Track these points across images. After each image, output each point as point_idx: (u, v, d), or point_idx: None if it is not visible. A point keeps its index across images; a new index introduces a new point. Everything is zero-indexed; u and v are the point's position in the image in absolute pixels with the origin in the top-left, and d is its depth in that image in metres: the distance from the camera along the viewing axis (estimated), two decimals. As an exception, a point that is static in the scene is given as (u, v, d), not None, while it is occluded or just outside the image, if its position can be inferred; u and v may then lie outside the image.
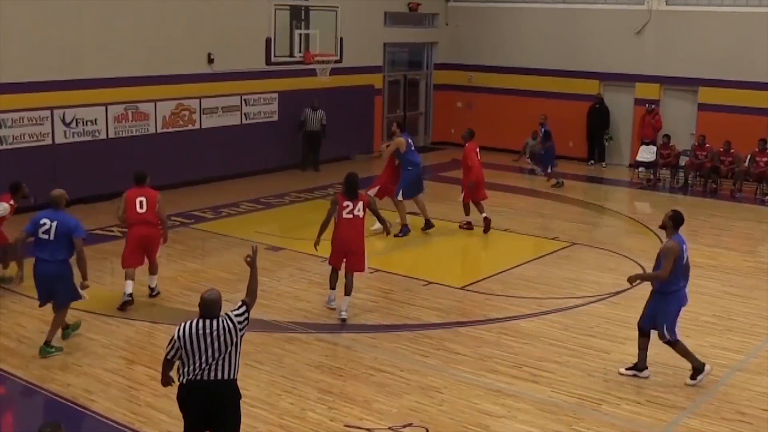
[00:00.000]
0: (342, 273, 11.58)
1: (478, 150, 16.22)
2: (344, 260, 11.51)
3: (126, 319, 11.21)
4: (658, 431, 8.57)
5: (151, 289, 12.14)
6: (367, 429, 8.38)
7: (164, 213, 11.95)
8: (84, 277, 10.00)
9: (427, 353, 10.34)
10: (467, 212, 16.04)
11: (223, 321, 6.85)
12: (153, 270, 12.07)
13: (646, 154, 21.65)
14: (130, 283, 11.54)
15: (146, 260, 11.86)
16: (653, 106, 22.22)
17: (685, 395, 9.33)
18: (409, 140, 15.83)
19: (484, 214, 15.81)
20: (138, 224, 11.58)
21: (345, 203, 11.41)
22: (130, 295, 11.51)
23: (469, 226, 16.05)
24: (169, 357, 6.95)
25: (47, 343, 9.97)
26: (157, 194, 11.74)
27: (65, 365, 9.73)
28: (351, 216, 11.38)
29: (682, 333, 11.15)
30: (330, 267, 11.75)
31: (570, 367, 9.98)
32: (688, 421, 8.76)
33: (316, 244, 11.63)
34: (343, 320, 11.27)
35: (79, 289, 10.08)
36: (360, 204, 11.42)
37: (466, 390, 9.33)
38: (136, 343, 10.48)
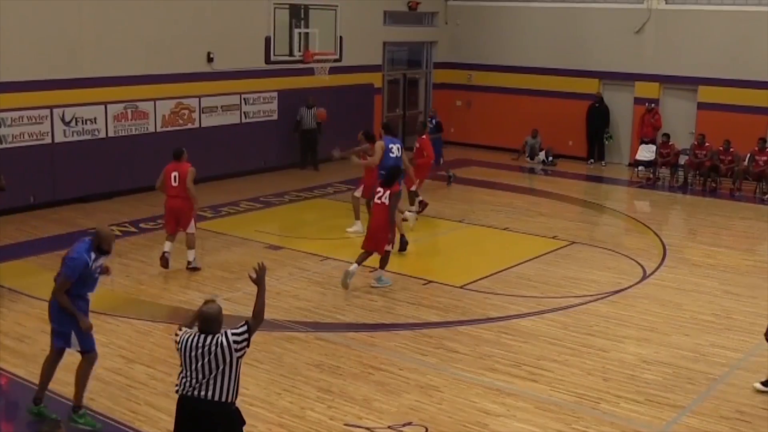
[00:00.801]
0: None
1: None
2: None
3: (125, 318, 11.23)
4: (657, 430, 8.58)
5: (189, 263, 13.22)
6: (367, 428, 8.39)
7: (192, 187, 12.90)
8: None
9: (426, 352, 10.35)
10: (413, 200, 16.44)
11: (219, 338, 6.52)
12: (189, 244, 13.15)
13: (646, 153, 21.67)
14: (168, 243, 13.04)
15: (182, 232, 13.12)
16: (653, 105, 22.23)
17: (684, 394, 9.34)
18: (391, 145, 14.97)
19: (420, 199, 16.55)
20: (171, 197, 12.96)
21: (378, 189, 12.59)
22: (166, 251, 13.01)
23: (422, 205, 16.65)
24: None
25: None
26: (188, 170, 12.88)
27: (65, 364, 9.71)
28: (379, 202, 12.48)
29: (680, 332, 11.21)
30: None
31: (569, 366, 9.99)
32: (687, 420, 8.77)
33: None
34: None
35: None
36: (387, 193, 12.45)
37: (466, 389, 9.34)
38: (135, 342, 10.48)
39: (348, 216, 16.76)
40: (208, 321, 6.58)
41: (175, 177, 12.83)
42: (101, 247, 8.46)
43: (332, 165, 21.05)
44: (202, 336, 6.54)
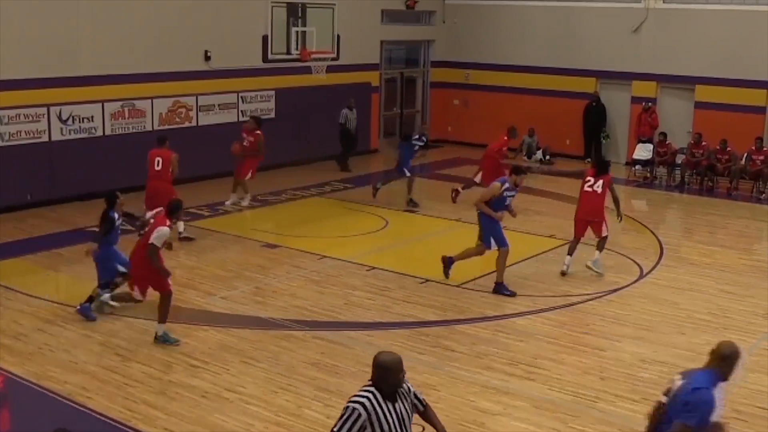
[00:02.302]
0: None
1: None
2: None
3: (122, 316, 11.21)
4: (653, 429, 8.57)
5: (179, 233, 14.25)
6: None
7: (176, 171, 14.45)
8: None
9: (423, 351, 10.35)
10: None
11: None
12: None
13: (643, 152, 21.68)
14: (149, 213, 13.53)
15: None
16: (650, 104, 22.25)
17: (681, 393, 9.33)
18: None
19: None
20: (152, 178, 14.37)
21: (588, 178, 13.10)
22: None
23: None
24: None
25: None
26: (171, 155, 14.30)
27: (61, 362, 9.73)
28: (591, 190, 13.05)
29: (677, 331, 11.22)
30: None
31: (566, 365, 10.00)
32: (683, 419, 8.76)
33: None
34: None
35: None
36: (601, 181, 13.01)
37: (462, 387, 9.34)
38: (132, 340, 10.47)
39: (345, 214, 16.84)
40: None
41: (158, 161, 14.28)
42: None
43: (332, 164, 21.08)
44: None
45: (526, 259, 14.13)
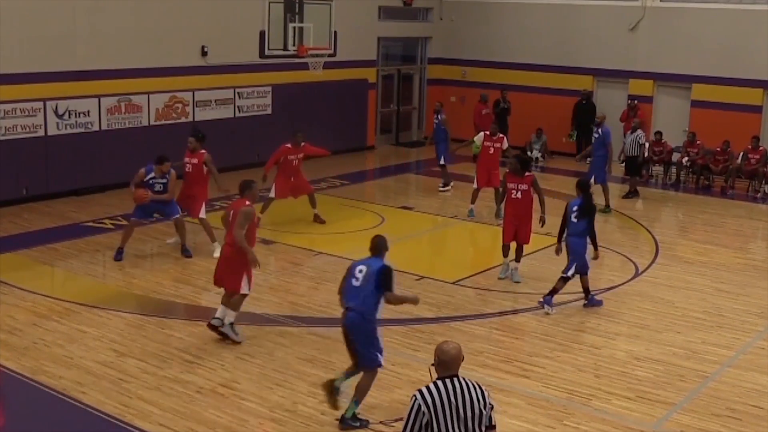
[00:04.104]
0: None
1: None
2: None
3: (117, 311, 11.21)
4: (648, 427, 8.60)
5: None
6: (362, 422, 8.38)
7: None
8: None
9: (418, 348, 10.35)
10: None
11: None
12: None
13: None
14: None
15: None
16: (635, 102, 22.27)
17: (676, 391, 9.36)
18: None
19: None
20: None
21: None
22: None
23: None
24: None
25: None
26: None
27: (56, 357, 9.72)
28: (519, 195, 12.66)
29: (672, 329, 11.24)
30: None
31: (561, 363, 10.01)
32: (678, 417, 8.79)
33: None
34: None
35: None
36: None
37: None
38: (127, 335, 10.46)
39: (341, 210, 16.80)
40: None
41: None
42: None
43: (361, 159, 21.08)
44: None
45: (522, 257, 14.09)
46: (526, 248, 13.69)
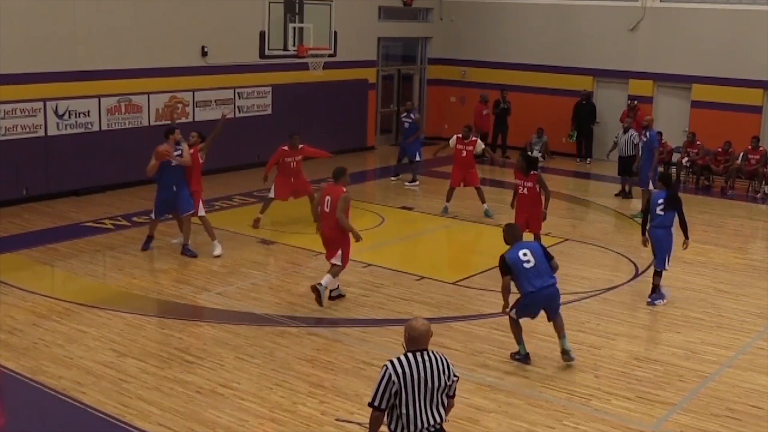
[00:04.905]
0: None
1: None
2: None
3: (117, 311, 11.21)
4: (647, 427, 8.60)
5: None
6: (358, 423, 8.37)
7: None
8: None
9: (418, 348, 10.34)
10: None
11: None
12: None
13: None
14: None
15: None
16: (635, 102, 22.27)
17: (675, 391, 9.36)
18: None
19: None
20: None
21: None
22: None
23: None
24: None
25: None
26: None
27: (56, 357, 9.73)
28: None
29: (672, 329, 11.24)
30: None
31: (560, 363, 10.00)
32: (677, 417, 8.79)
33: None
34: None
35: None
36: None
37: (457, 384, 9.32)
38: (126, 335, 10.46)
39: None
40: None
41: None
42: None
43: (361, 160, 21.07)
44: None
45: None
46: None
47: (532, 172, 13.37)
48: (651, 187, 16.34)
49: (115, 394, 8.85)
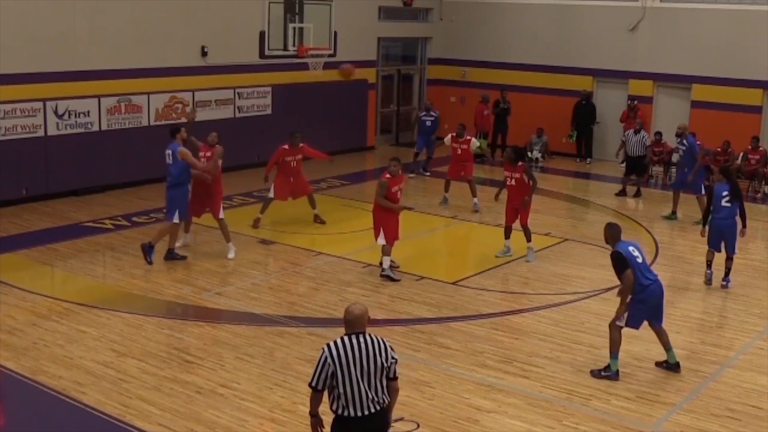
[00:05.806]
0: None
1: None
2: None
3: (117, 311, 11.21)
4: (647, 427, 8.60)
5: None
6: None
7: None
8: None
9: (418, 348, 10.36)
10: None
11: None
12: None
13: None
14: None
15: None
16: (635, 102, 22.28)
17: (675, 391, 9.36)
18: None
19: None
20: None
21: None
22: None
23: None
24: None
25: None
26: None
27: (56, 357, 9.73)
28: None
29: (671, 329, 11.22)
30: None
31: (560, 363, 10.01)
32: (677, 417, 8.79)
33: None
34: None
35: None
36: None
37: (457, 385, 9.35)
38: (127, 335, 10.46)
39: (341, 211, 16.81)
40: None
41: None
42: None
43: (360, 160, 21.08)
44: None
45: (522, 257, 14.12)
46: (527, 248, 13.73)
47: (519, 163, 13.79)
48: (702, 192, 16.51)
49: (115, 394, 8.85)
